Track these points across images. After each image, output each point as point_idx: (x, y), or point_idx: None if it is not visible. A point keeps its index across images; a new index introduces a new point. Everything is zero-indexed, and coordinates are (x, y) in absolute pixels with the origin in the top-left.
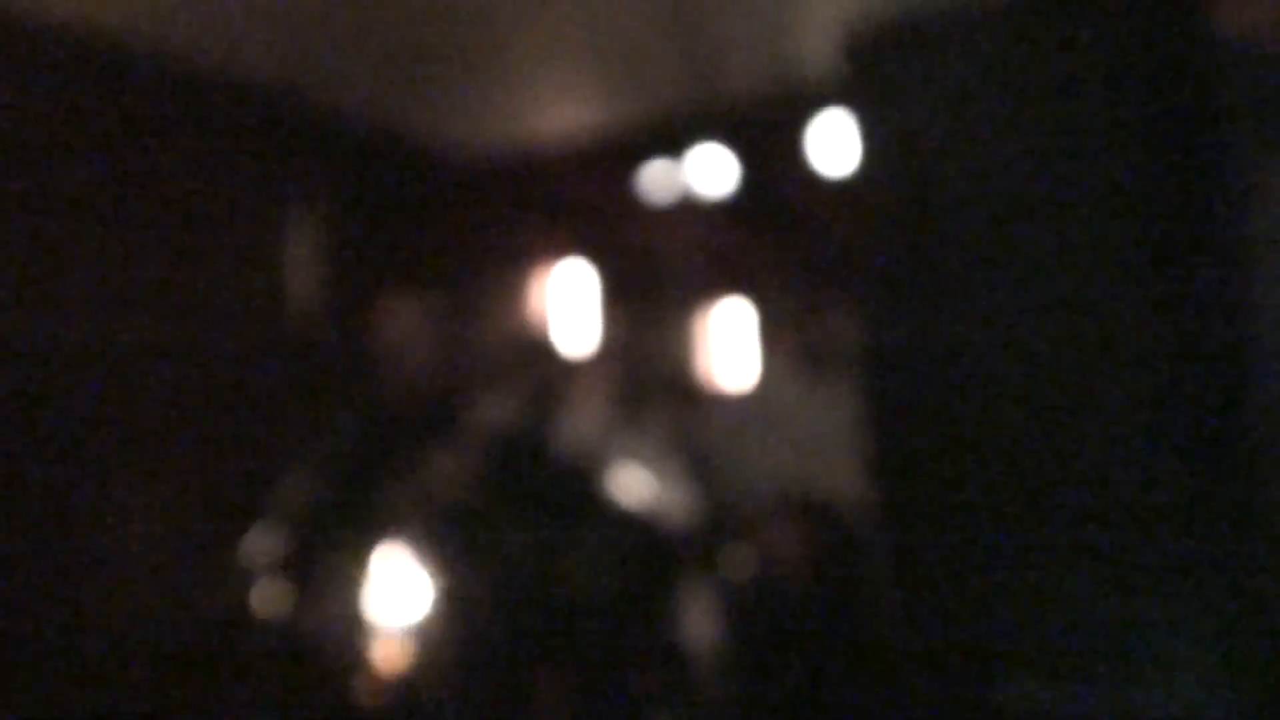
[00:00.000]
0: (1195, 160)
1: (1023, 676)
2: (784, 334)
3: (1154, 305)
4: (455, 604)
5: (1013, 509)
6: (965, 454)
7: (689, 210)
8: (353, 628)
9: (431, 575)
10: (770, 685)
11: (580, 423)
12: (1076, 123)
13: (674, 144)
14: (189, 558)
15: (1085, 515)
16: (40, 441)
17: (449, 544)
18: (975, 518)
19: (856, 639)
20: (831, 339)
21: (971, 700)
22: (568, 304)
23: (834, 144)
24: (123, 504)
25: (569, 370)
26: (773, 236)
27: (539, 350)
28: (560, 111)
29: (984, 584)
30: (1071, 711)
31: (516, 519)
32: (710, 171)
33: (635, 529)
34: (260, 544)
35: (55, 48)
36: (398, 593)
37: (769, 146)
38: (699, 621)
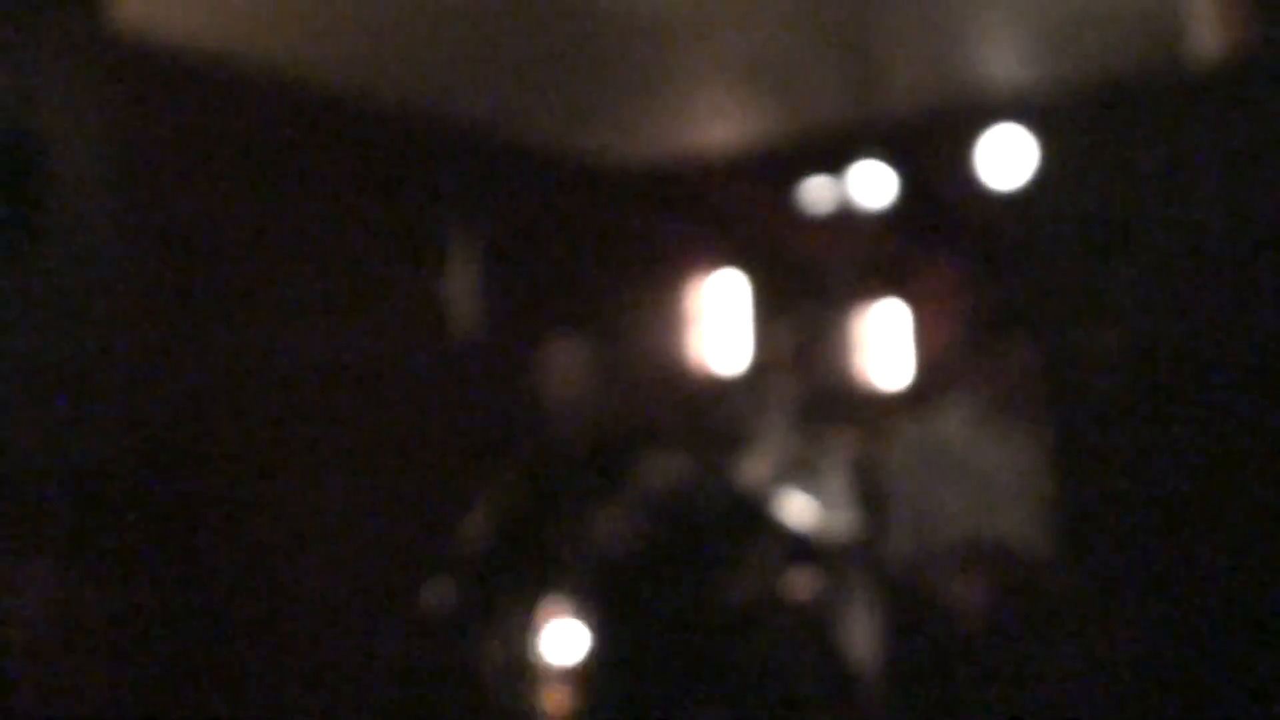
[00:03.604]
0: None
1: None
2: (965, 368)
3: None
4: (621, 649)
5: (1217, 561)
6: (1160, 502)
7: (848, 223)
8: (522, 673)
9: (598, 622)
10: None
11: (746, 455)
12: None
13: (835, 159)
14: (367, 605)
15: None
16: (218, 487)
17: (615, 592)
18: (1171, 573)
19: (1033, 694)
20: (1013, 376)
21: None
22: (725, 317)
23: (1001, 159)
24: (295, 549)
25: (732, 402)
26: (935, 249)
27: (703, 372)
28: (721, 124)
29: (1177, 649)
30: None
31: (680, 567)
32: (870, 186)
33: (799, 552)
34: (436, 592)
35: (212, 79)
36: (565, 640)
37: (932, 161)
38: (866, 652)
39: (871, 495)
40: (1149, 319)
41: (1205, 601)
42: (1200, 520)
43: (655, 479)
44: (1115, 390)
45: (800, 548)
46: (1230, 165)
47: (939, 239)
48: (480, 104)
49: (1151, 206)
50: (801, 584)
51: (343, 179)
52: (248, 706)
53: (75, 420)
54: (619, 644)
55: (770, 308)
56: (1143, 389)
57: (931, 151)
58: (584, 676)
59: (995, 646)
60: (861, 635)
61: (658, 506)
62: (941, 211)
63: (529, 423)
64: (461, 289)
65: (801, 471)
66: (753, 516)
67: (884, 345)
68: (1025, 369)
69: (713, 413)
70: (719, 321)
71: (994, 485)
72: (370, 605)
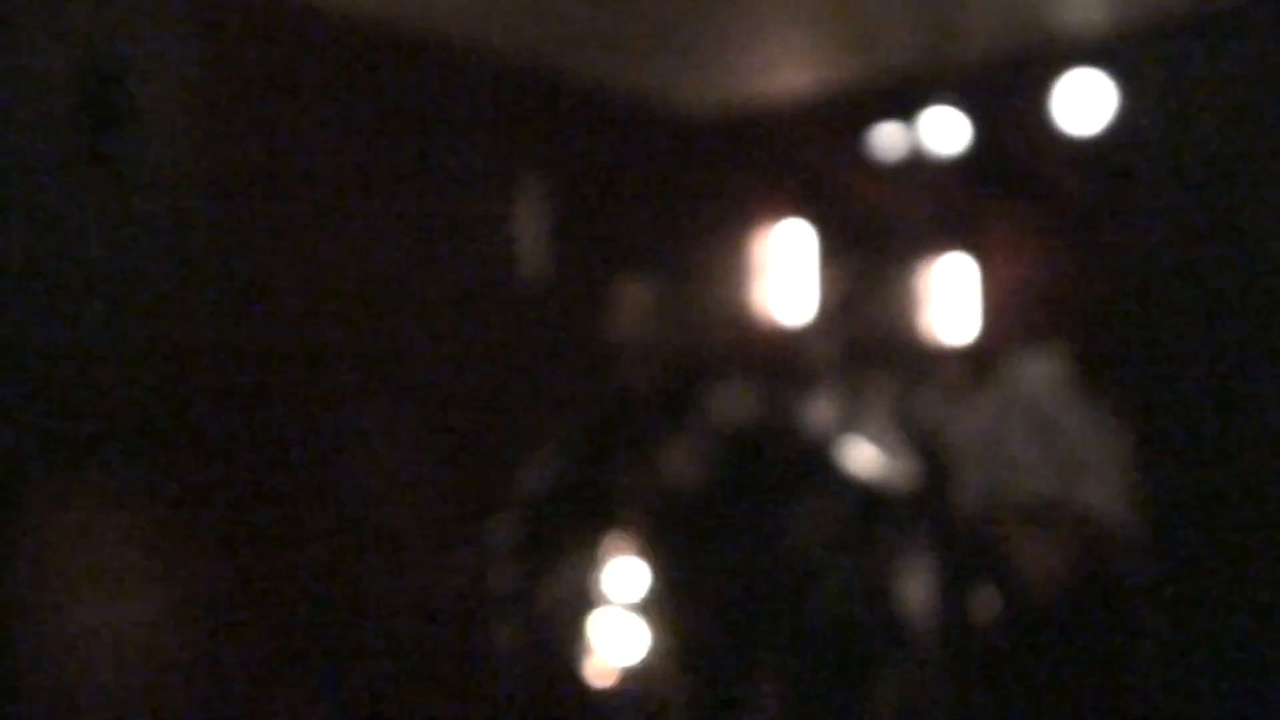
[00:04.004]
0: None
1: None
2: (1048, 326)
3: None
4: (684, 587)
5: None
6: (1242, 475)
7: (919, 171)
8: (585, 609)
9: (663, 559)
10: (993, 679)
11: (814, 400)
12: None
13: (907, 105)
14: (430, 540)
15: None
16: (291, 420)
17: (680, 529)
18: (1252, 543)
19: (1102, 663)
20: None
21: None
22: (791, 266)
23: (1080, 103)
24: (363, 484)
25: (800, 340)
26: (1009, 198)
27: (770, 322)
28: (790, 70)
29: (1254, 620)
30: None
31: (745, 506)
32: (944, 133)
33: (866, 504)
34: (499, 527)
35: (293, 16)
36: (629, 576)
37: (1006, 108)
38: (925, 602)
39: (939, 448)
40: (1241, 273)
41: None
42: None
43: (722, 416)
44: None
45: (864, 497)
46: None
47: (1012, 189)
48: (550, 47)
49: (1241, 144)
50: (864, 534)
51: (416, 120)
52: (316, 640)
53: (146, 346)
54: (680, 583)
55: (837, 258)
56: (1222, 356)
57: (1005, 97)
58: (645, 614)
59: (1061, 615)
60: (923, 590)
61: (725, 443)
62: (1015, 160)
63: (597, 362)
64: (531, 231)
65: (866, 421)
66: (817, 462)
67: (952, 299)
68: (1107, 328)
69: (778, 360)
70: (785, 271)
71: (1077, 448)
72: (438, 541)
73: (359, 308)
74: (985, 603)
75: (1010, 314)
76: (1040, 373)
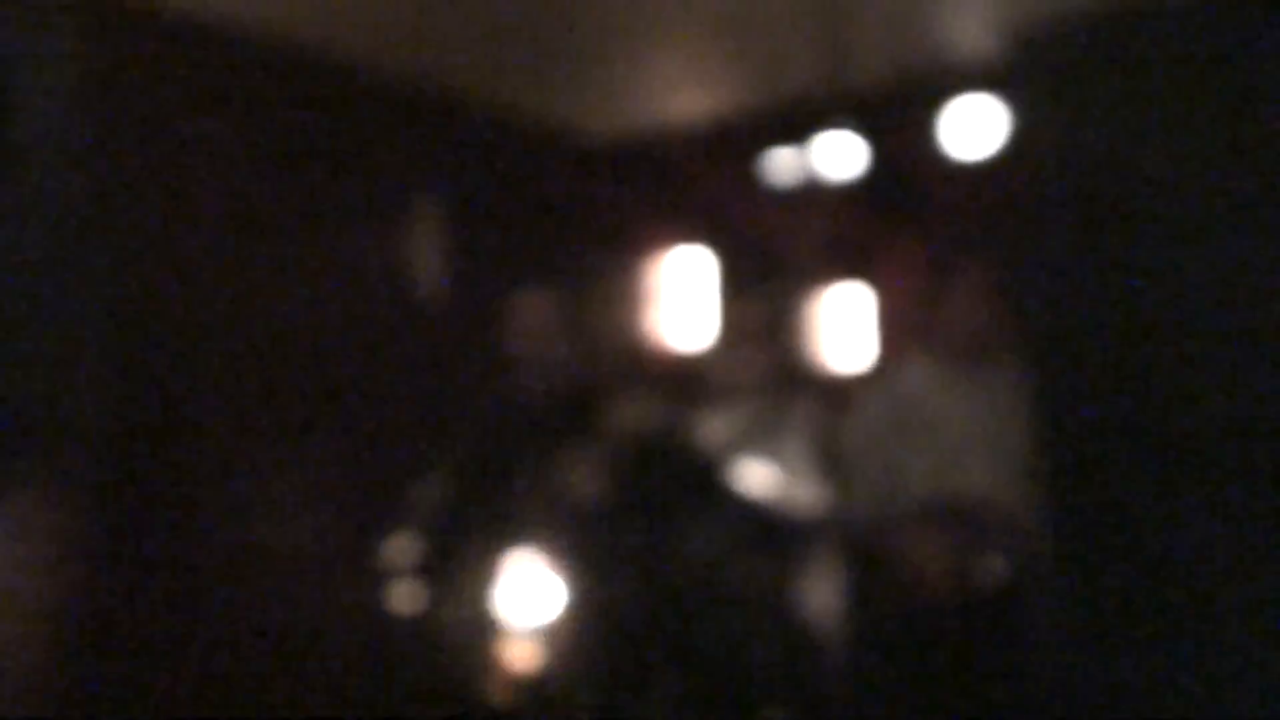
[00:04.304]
0: None
1: (1197, 694)
2: (925, 327)
3: None
4: (585, 604)
5: (1195, 508)
6: (1137, 457)
7: (814, 196)
8: (484, 628)
9: (562, 576)
10: (895, 685)
11: (709, 418)
12: (1250, 127)
13: (802, 130)
14: (326, 559)
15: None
16: (176, 440)
17: (579, 545)
18: (1149, 526)
19: (1007, 656)
20: (977, 332)
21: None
22: (688, 292)
23: (971, 130)
24: (258, 503)
25: (696, 365)
26: (902, 223)
27: (666, 346)
28: (685, 95)
29: (1155, 601)
30: None
31: (645, 520)
32: (838, 158)
33: (761, 522)
34: (396, 545)
35: (182, 34)
36: (528, 593)
37: (901, 132)
38: (824, 616)
39: (835, 464)
40: (1124, 279)
41: (1182, 568)
42: (1182, 486)
43: (622, 430)
44: (1094, 348)
45: (760, 515)
46: (1209, 112)
47: (905, 215)
48: (444, 68)
49: (1133, 160)
50: (761, 551)
51: (309, 140)
52: (208, 664)
53: (36, 373)
54: (582, 599)
55: (735, 284)
56: (1122, 350)
57: (899, 122)
58: (547, 631)
59: (963, 612)
60: (825, 605)
61: (624, 456)
62: (908, 185)
63: (494, 378)
64: (426, 250)
65: (762, 442)
66: (714, 479)
67: (846, 326)
68: (986, 321)
69: (675, 381)
70: (683, 297)
71: (960, 442)
72: (335, 562)
73: (251, 325)
74: (885, 611)
75: (904, 337)
76: (924, 378)
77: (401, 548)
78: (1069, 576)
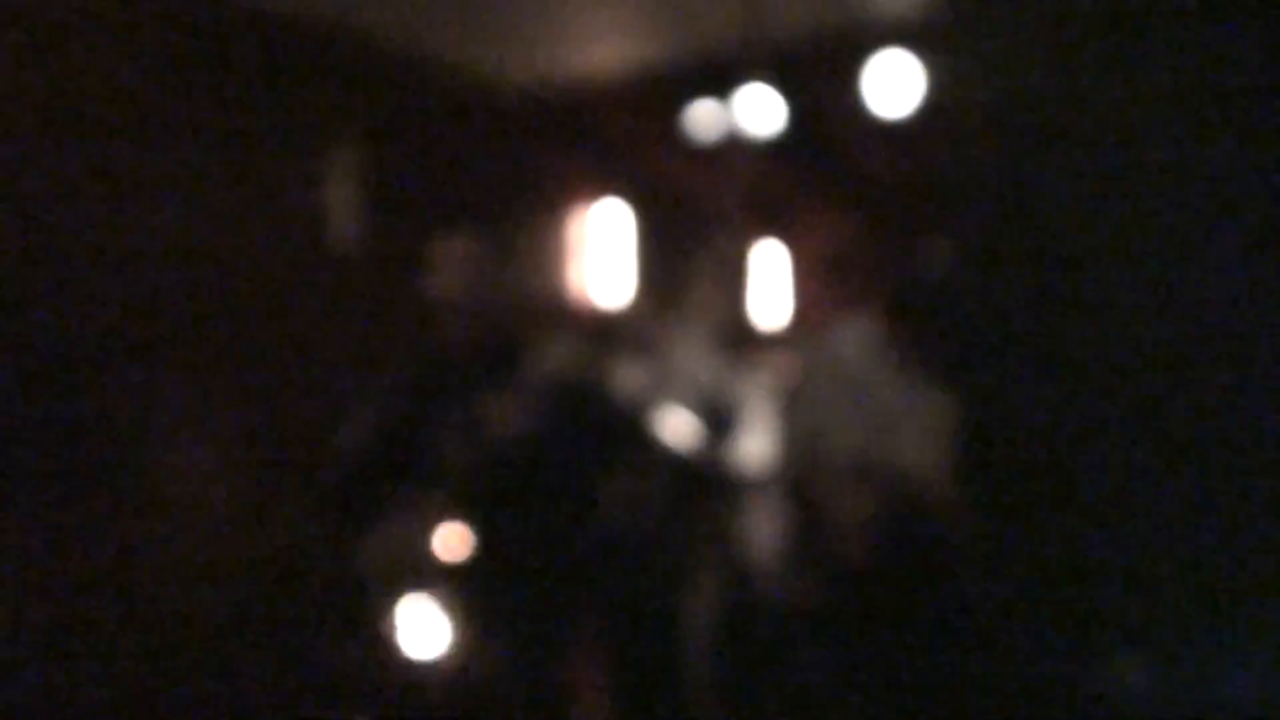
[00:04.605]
0: None
1: (1117, 658)
2: (845, 285)
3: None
4: (504, 551)
5: (1112, 478)
6: (1057, 423)
7: (734, 150)
8: (405, 575)
9: (482, 524)
10: (816, 639)
11: (629, 368)
12: (1178, 79)
13: (722, 83)
14: (244, 503)
15: (1193, 487)
16: (86, 383)
17: (499, 493)
18: (1066, 489)
19: (926, 620)
20: (905, 292)
21: (1057, 680)
22: (608, 245)
23: (890, 84)
24: (176, 454)
25: (617, 314)
26: (822, 178)
27: (587, 295)
28: (606, 47)
29: (1073, 560)
30: (1168, 694)
31: (566, 463)
32: (759, 112)
33: (682, 469)
34: (314, 489)
35: None
36: (449, 541)
37: (820, 86)
38: (751, 564)
39: (753, 417)
40: (1047, 237)
41: (1097, 539)
42: (1108, 457)
43: (543, 373)
44: (1017, 309)
45: (680, 465)
46: (1135, 65)
47: (825, 172)
48: (366, 14)
49: (1052, 116)
50: (680, 501)
51: (227, 84)
52: (118, 621)
53: None
54: (504, 546)
55: (655, 240)
56: (1045, 311)
57: (818, 76)
58: (467, 578)
59: (882, 570)
60: (752, 559)
61: (546, 400)
62: (829, 141)
63: (414, 321)
64: (344, 195)
65: (681, 392)
66: (635, 428)
67: (766, 283)
68: (921, 292)
69: (595, 332)
70: (602, 250)
71: (890, 408)
72: (249, 514)
73: (165, 273)
74: (807, 566)
75: (822, 292)
76: (851, 339)
77: (323, 492)
78: (991, 538)
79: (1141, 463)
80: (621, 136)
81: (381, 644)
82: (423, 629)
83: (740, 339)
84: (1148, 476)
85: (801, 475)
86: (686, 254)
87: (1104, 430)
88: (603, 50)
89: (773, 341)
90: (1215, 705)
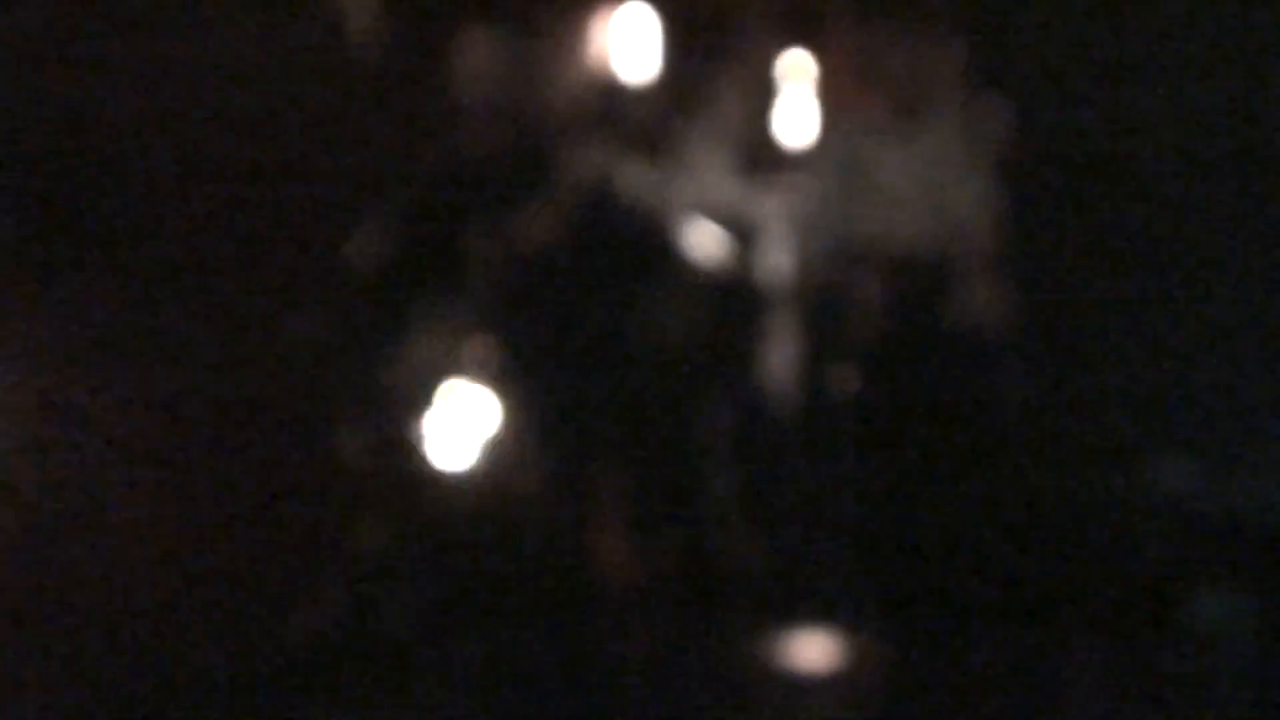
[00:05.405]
0: None
1: (1161, 460)
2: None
3: None
4: (534, 362)
5: (1153, 275)
6: (1108, 219)
7: None
8: (432, 387)
9: (511, 334)
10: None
11: (652, 176)
12: None
13: None
14: (263, 323)
15: (1244, 293)
16: (108, 190)
17: (529, 301)
18: (1109, 283)
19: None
20: (924, 94)
21: (1095, 484)
22: (635, 48)
23: None
24: (197, 250)
25: (642, 121)
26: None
27: (620, 96)
28: None
29: (1115, 359)
30: (1213, 496)
31: (596, 277)
32: None
33: (709, 280)
34: (335, 302)
35: None
36: (477, 351)
37: None
38: (772, 376)
39: (784, 233)
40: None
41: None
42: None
43: (576, 179)
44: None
45: (712, 275)
46: None
47: None
48: None
49: None
50: (714, 312)
51: None
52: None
53: None
54: (532, 356)
55: (680, 46)
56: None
57: None
58: (495, 389)
59: (911, 367)
60: (780, 369)
61: (579, 208)
62: None
63: (439, 125)
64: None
65: (713, 205)
66: (666, 239)
67: (792, 95)
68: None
69: (623, 136)
70: (628, 56)
71: (908, 198)
72: (271, 324)
73: (178, 81)
74: (844, 375)
75: (853, 103)
76: (867, 139)
77: (342, 302)
78: (1027, 319)
79: (1193, 266)
80: None
81: (408, 454)
82: (449, 440)
83: (765, 152)
84: (1199, 281)
85: (826, 274)
86: (712, 60)
87: (1154, 230)
88: None
89: (799, 155)
90: (1260, 508)
